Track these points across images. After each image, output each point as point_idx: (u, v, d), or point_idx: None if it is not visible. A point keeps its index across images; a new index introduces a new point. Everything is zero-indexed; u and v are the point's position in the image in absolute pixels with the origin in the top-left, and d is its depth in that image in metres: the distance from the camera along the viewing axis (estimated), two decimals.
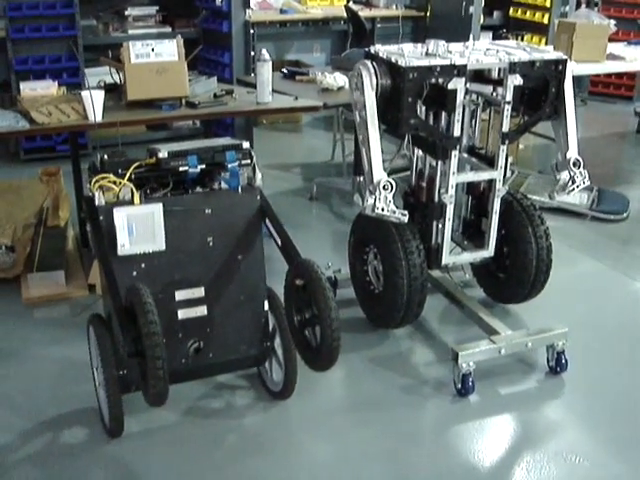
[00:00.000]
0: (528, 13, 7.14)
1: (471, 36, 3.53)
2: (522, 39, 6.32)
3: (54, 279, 3.79)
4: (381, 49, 3.14)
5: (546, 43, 6.71)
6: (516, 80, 3.11)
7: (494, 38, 6.67)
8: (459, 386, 3.05)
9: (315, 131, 6.91)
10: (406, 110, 2.98)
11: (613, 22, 5.44)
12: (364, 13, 6.76)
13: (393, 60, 3.00)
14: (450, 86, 3.02)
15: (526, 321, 3.63)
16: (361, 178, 4.97)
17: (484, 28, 6.95)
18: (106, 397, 2.62)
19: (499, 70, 3.21)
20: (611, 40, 5.56)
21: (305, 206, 5.09)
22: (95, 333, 2.69)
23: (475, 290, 3.80)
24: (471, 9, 6.35)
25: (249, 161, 2.74)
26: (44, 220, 4.24)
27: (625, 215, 4.93)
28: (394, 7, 7.17)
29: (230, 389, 3.08)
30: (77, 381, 3.05)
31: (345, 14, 6.68)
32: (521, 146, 5.87)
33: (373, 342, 3.44)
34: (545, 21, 6.91)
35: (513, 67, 3.09)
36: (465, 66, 3.01)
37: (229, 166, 2.69)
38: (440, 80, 3.05)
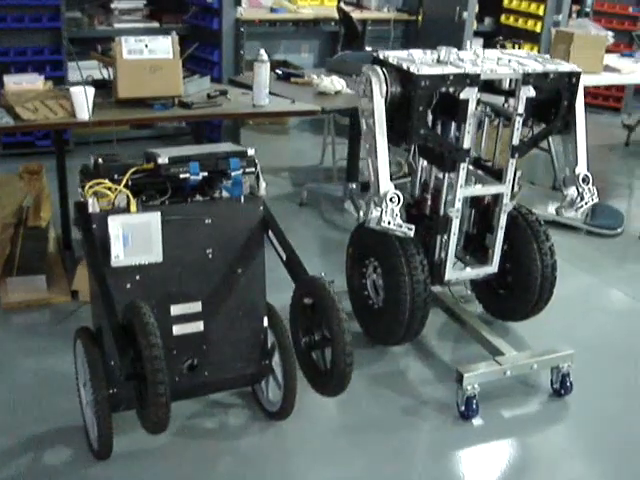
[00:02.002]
0: (520, 20, 7.04)
1: (467, 43, 3.39)
2: (519, 47, 6.22)
3: (35, 283, 3.60)
4: (390, 55, 3.00)
5: (539, 51, 6.62)
6: (529, 92, 2.99)
7: (487, 45, 6.58)
8: (462, 409, 2.93)
9: (302, 134, 6.76)
10: (416, 120, 2.85)
11: (611, 34, 5.37)
12: (355, 15, 6.62)
13: (404, 67, 2.86)
14: (462, 96, 2.89)
15: (526, 339, 3.52)
16: (354, 185, 4.85)
17: (475, 34, 6.85)
18: (95, 417, 2.45)
19: (510, 81, 3.09)
20: (605, 52, 5.49)
21: (295, 212, 4.94)
22: (84, 349, 2.51)
23: (472, 305, 3.68)
24: (465, 14, 6.24)
25: (253, 169, 2.59)
26: (24, 220, 4.04)
27: (620, 230, 4.85)
28: (386, 10, 7.05)
29: (224, 408, 2.92)
30: (60, 395, 2.88)
31: (337, 15, 6.53)
32: None
33: (371, 359, 3.31)
34: (537, 29, 6.81)
35: (527, 78, 2.97)
36: (479, 75, 2.89)
37: (233, 174, 2.53)
38: (451, 89, 2.92)
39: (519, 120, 3.04)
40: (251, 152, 2.58)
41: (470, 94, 2.90)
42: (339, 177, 5.25)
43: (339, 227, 4.68)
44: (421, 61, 2.92)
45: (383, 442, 2.82)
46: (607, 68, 5.38)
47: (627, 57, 6.04)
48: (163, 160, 2.44)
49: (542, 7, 6.75)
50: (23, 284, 3.59)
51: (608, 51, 5.69)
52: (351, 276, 3.45)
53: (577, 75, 3.08)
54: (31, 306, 3.55)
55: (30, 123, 3.28)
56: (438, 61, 2.95)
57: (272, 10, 6.56)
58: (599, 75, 5.24)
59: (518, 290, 3.36)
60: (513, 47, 6.10)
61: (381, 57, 3.01)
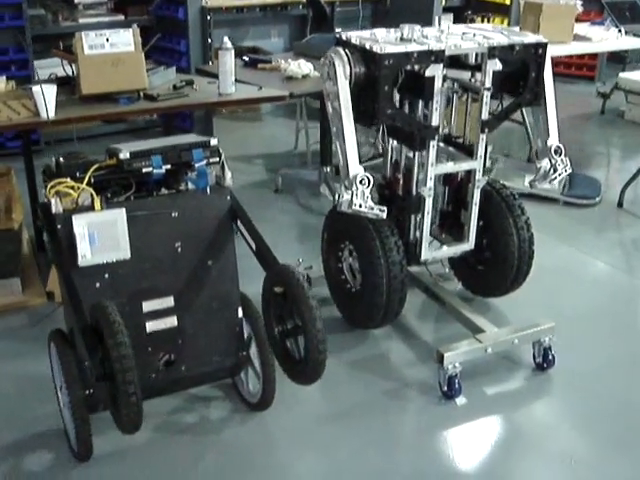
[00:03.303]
0: None
1: (436, 18, 3.35)
2: (489, 21, 6.18)
3: (9, 287, 3.55)
4: (353, 35, 2.95)
5: (509, 24, 6.59)
6: (495, 65, 2.96)
7: (457, 20, 6.54)
8: (445, 388, 2.92)
9: (276, 119, 6.71)
10: (382, 100, 2.81)
11: (580, 2, 5.33)
12: None
13: (367, 47, 2.82)
14: (428, 73, 2.86)
15: (507, 314, 3.51)
16: (328, 169, 4.81)
17: (445, 10, 6.80)
18: (72, 419, 2.42)
19: (477, 55, 3.06)
20: (575, 21, 5.46)
21: (270, 199, 4.89)
22: (57, 351, 2.48)
23: (452, 283, 3.67)
24: None
25: (217, 159, 2.55)
26: None
27: (598, 199, 4.84)
28: None
29: (204, 401, 2.89)
30: (38, 399, 2.84)
31: None
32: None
33: (351, 344, 3.29)
34: (507, 1, 6.78)
35: (492, 52, 2.94)
36: (443, 51, 2.85)
37: (196, 165, 2.49)
38: (417, 67, 2.88)
39: (487, 94, 3.01)
40: (214, 142, 2.53)
41: (435, 71, 2.86)
42: (314, 161, 5.21)
43: (315, 212, 4.64)
44: (384, 40, 2.88)
45: (367, 427, 2.80)
46: (577, 37, 5.36)
47: (598, 25, 6.01)
48: (124, 155, 2.39)
49: None
50: None
51: (578, 20, 5.67)
52: (327, 261, 3.42)
53: (543, 46, 3.04)
54: (6, 310, 3.49)
55: None
56: (401, 39, 2.91)
57: None
58: (569, 45, 5.22)
59: (496, 265, 3.34)
60: (482, 21, 6.06)
61: (344, 38, 2.96)
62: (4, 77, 3.63)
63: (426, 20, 4.02)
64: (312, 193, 4.95)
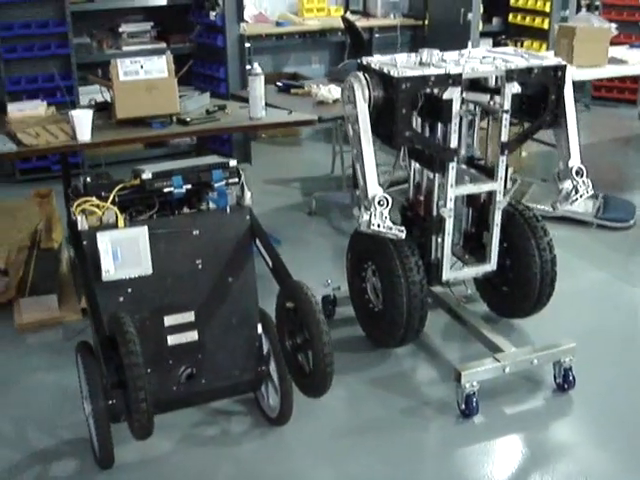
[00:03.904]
0: (528, 18, 7.04)
1: (469, 43, 3.42)
2: (522, 45, 6.21)
3: (47, 303, 3.70)
4: (373, 60, 3.04)
5: (547, 48, 6.61)
6: (514, 88, 3.01)
7: (494, 45, 6.59)
8: (463, 407, 2.94)
9: (315, 144, 6.81)
10: (400, 122, 2.89)
11: (614, 25, 5.33)
12: (361, 23, 6.68)
13: (385, 71, 2.90)
14: (445, 96, 2.92)
15: (532, 336, 3.52)
16: (358, 192, 4.88)
17: (484, 35, 6.87)
18: (95, 427, 2.53)
19: (496, 78, 3.11)
20: (613, 44, 5.47)
21: (304, 221, 4.99)
22: (82, 362, 2.59)
23: (478, 305, 3.69)
24: (469, 16, 6.27)
25: (237, 180, 2.65)
26: (37, 242, 4.16)
27: (632, 222, 4.81)
28: (392, 16, 7.09)
29: (226, 415, 2.98)
30: (69, 410, 2.96)
31: (342, 25, 6.59)
32: (524, 154, 5.76)
33: (374, 362, 3.34)
34: (545, 26, 6.81)
35: (510, 75, 2.99)
36: (460, 75, 2.92)
37: (216, 186, 2.59)
38: (435, 90, 2.95)
39: (506, 117, 3.06)
40: (233, 163, 2.64)
41: (453, 94, 2.93)
42: (348, 184, 5.29)
43: (347, 234, 4.62)
44: (403, 64, 2.96)
45: (382, 443, 2.84)
46: (613, 60, 5.34)
47: (636, 48, 5.99)
48: (147, 175, 2.51)
49: (548, 4, 6.75)
50: (36, 304, 3.69)
51: (615, 43, 5.67)
52: (351, 281, 3.49)
53: (562, 69, 3.08)
54: (44, 325, 3.64)
55: (32, 148, 3.38)
56: (420, 63, 2.99)
57: (277, 24, 6.64)
58: (604, 68, 5.22)
59: (519, 287, 3.36)
60: (515, 45, 6.10)
61: (364, 63, 3.06)
62: (45, 103, 3.81)
63: (463, 45, 4.08)
64: (345, 215, 5.02)
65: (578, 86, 7.05)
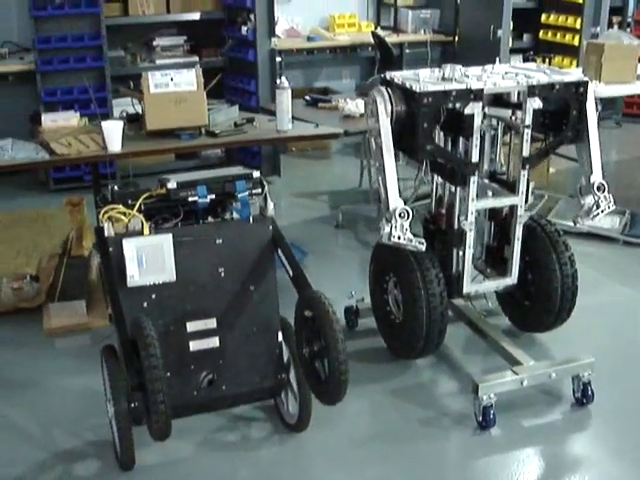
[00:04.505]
0: (558, 35, 7.05)
1: (497, 59, 3.45)
2: (550, 62, 6.23)
3: (75, 309, 3.79)
4: (397, 75, 3.10)
5: (577, 65, 6.61)
6: (535, 103, 3.04)
7: (524, 61, 6.60)
8: (480, 419, 2.96)
9: (344, 158, 6.87)
10: (422, 136, 2.93)
11: None
12: (392, 39, 6.73)
13: (408, 85, 2.95)
14: (467, 111, 2.97)
15: (553, 351, 3.52)
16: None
17: (514, 51, 6.88)
18: (116, 429, 2.60)
19: (518, 94, 3.14)
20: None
21: (331, 234, 5.05)
22: (106, 364, 2.66)
23: (500, 319, 3.71)
24: (499, 32, 6.29)
25: (260, 190, 2.71)
26: (68, 250, 4.27)
27: None
28: (422, 32, 7.13)
29: (246, 421, 3.03)
30: (94, 413, 3.02)
31: (372, 40, 6.66)
32: (552, 170, 5.76)
33: (394, 373, 3.37)
34: (575, 43, 6.81)
35: (532, 90, 3.02)
36: (482, 90, 2.96)
37: (239, 196, 2.66)
38: (457, 105, 3.00)
39: (527, 132, 3.09)
40: (256, 174, 2.71)
41: (474, 109, 2.97)
42: (375, 198, 5.33)
43: (373, 247, 4.75)
44: (425, 79, 3.01)
45: (398, 452, 2.88)
46: None
47: None
48: (172, 185, 2.59)
49: (579, 20, 6.76)
50: (64, 309, 3.78)
51: None
52: (373, 292, 3.53)
53: (584, 84, 3.11)
54: (72, 330, 3.73)
55: (64, 157, 3.48)
56: (443, 79, 3.04)
57: (309, 39, 6.73)
58: (633, 84, 5.21)
59: (540, 301, 3.38)
60: (543, 61, 6.11)
61: (388, 78, 3.11)
62: (78, 114, 3.93)
63: (493, 62, 4.11)
64: (371, 229, 5.06)
65: (609, 103, 7.09)
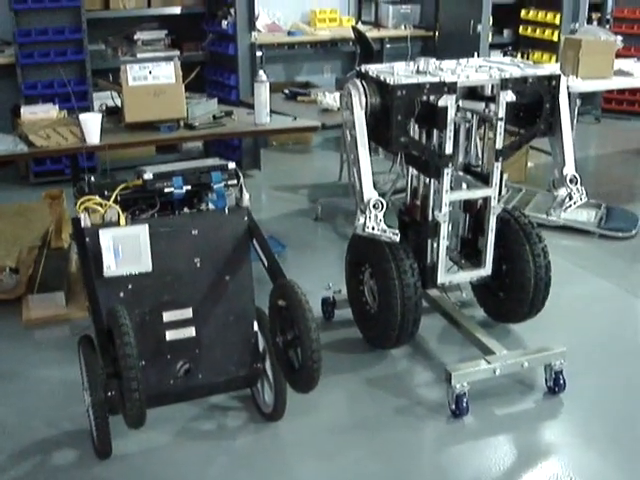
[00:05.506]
0: (538, 31, 7.12)
1: (475, 54, 3.50)
2: (527, 57, 6.29)
3: (54, 300, 3.81)
4: (371, 68, 3.13)
5: (556, 60, 6.67)
6: (507, 96, 3.09)
7: (503, 56, 6.66)
8: (453, 407, 3.01)
9: (325, 152, 6.90)
10: (396, 128, 2.97)
11: (620, 38, 5.41)
12: (372, 34, 6.78)
13: (382, 78, 2.99)
14: (440, 103, 3.01)
15: (526, 341, 3.57)
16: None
17: (494, 46, 6.96)
18: (93, 419, 2.62)
19: (492, 87, 3.19)
20: (622, 56, 5.52)
21: (310, 226, 5.08)
22: (83, 354, 2.69)
23: (476, 310, 3.76)
24: (479, 27, 6.35)
25: (236, 181, 2.74)
26: (48, 242, 4.28)
27: (634, 232, 4.85)
28: (403, 27, 7.18)
29: (222, 410, 3.06)
30: (71, 402, 3.04)
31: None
32: (530, 164, 5.82)
33: (370, 362, 3.41)
34: (555, 39, 6.88)
35: (505, 83, 3.07)
36: (455, 83, 3.00)
37: (215, 187, 2.69)
38: (430, 98, 3.04)
39: (500, 124, 3.13)
40: (232, 165, 2.73)
41: (448, 101, 3.01)
42: (352, 190, 5.37)
43: None
44: (399, 72, 3.05)
45: (372, 439, 2.92)
46: (619, 72, 5.40)
47: None
48: (148, 176, 2.62)
49: (558, 16, 6.82)
50: (43, 301, 3.79)
51: (625, 56, 5.73)
52: (350, 284, 3.57)
53: (557, 78, 3.16)
54: (51, 322, 3.74)
55: (42, 149, 3.50)
56: (417, 72, 3.08)
57: (289, 33, 6.76)
58: (609, 80, 5.28)
59: (514, 291, 3.43)
60: (522, 56, 6.17)
61: (363, 71, 3.15)
62: (57, 106, 3.94)
63: (472, 56, 4.16)
64: (350, 221, 5.07)
65: (588, 98, 7.16)
